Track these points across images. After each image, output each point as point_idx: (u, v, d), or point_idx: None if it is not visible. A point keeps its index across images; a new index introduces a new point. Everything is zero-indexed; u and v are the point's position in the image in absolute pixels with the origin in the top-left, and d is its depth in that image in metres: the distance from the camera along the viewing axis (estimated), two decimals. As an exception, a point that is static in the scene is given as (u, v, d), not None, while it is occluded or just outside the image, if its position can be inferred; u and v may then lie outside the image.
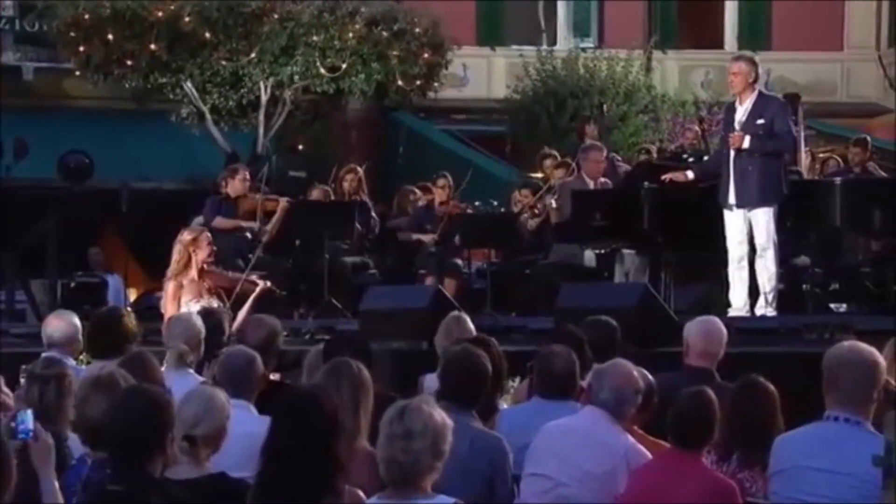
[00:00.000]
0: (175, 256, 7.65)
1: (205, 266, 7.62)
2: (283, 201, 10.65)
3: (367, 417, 4.41)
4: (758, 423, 4.60)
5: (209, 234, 7.73)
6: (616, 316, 7.50)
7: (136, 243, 15.32)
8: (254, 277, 8.11)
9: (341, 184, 11.25)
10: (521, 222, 10.89)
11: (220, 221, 10.50)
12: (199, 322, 6.18)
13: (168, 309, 7.52)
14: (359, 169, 11.35)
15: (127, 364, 4.94)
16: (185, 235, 7.72)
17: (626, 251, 9.93)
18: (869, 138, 11.53)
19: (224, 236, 10.51)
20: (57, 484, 3.88)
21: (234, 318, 7.37)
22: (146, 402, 3.71)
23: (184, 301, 7.48)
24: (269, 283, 8.03)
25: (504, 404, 5.85)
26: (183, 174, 16.39)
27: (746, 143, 8.40)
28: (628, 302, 7.95)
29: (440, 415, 3.68)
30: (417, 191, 11.71)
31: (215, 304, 7.51)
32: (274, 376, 5.96)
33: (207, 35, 14.16)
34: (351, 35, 14.55)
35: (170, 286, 7.63)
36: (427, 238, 10.99)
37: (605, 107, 15.31)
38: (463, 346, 5.02)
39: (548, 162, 11.62)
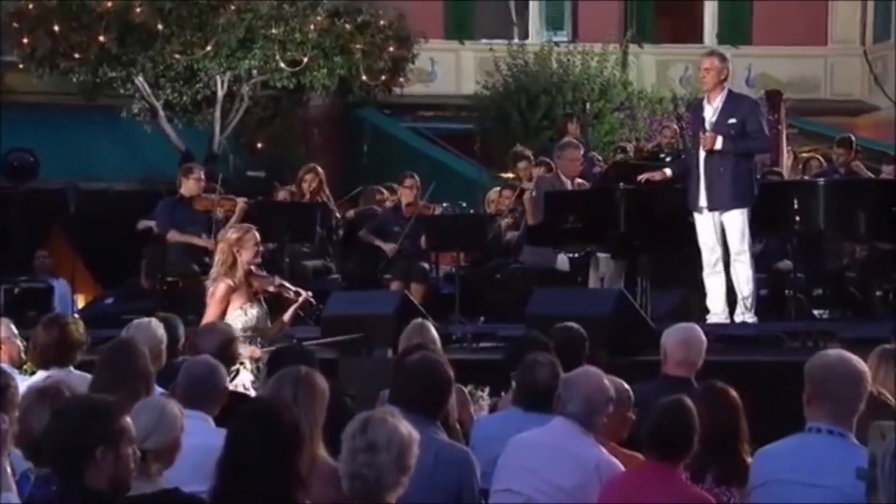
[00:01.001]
0: (219, 257, 7.39)
1: (252, 268, 7.36)
2: (241, 202, 10.63)
3: (320, 427, 4.40)
4: (721, 430, 4.62)
5: (256, 234, 7.42)
6: (591, 323, 7.53)
7: (84, 247, 15.21)
8: (297, 288, 7.77)
9: (301, 184, 11.23)
10: (499, 226, 10.92)
11: (173, 235, 10.47)
12: (160, 330, 6.15)
13: (211, 311, 7.25)
14: (319, 169, 11.33)
15: (110, 351, 4.94)
16: (230, 234, 7.44)
17: (601, 255, 9.96)
18: (853, 138, 11.62)
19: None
20: (10, 471, 3.88)
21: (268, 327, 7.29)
22: (82, 413, 3.67)
23: (236, 305, 7.23)
24: (310, 295, 7.76)
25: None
26: (134, 174, 16.32)
27: (719, 144, 8.45)
28: (603, 308, 7.98)
29: (406, 427, 3.68)
30: (385, 191, 11.71)
31: (259, 310, 7.30)
32: (231, 386, 5.93)
33: (160, 26, 14.12)
34: (312, 27, 14.55)
35: (218, 288, 7.29)
36: (388, 248, 10.94)
37: (587, 104, 15.35)
38: (423, 354, 5.01)
39: (522, 164, 11.65)
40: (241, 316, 7.20)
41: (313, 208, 10.85)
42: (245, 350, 6.95)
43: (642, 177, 8.94)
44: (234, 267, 7.27)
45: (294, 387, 4.45)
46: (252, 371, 7.01)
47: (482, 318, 10.14)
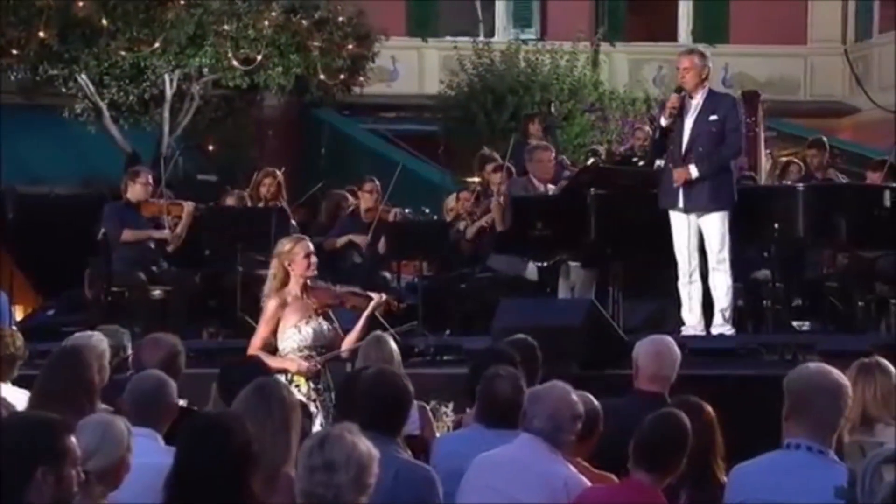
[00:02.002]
0: (271, 271, 7.27)
1: (307, 281, 7.20)
2: (188, 206, 10.59)
3: (297, 443, 4.40)
4: (696, 448, 4.64)
5: (309, 244, 7.27)
6: (560, 334, 7.59)
7: (23, 255, 15.10)
8: (367, 292, 7.57)
9: (258, 188, 11.21)
10: (457, 232, 10.93)
11: (129, 234, 10.41)
12: (102, 343, 6.13)
13: (259, 331, 7.17)
14: (278, 172, 11.31)
15: (54, 362, 4.90)
16: (281, 246, 7.28)
17: (571, 263, 10.00)
18: (825, 139, 11.71)
19: (123, 246, 10.45)
20: None
21: (341, 339, 7.20)
22: (20, 432, 3.62)
23: (290, 323, 7.11)
24: (384, 296, 7.57)
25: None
26: (77, 177, 16.22)
27: (694, 174, 8.50)
28: (573, 319, 8.02)
29: (365, 444, 3.68)
30: (350, 196, 11.73)
31: (324, 325, 7.16)
32: (180, 402, 5.92)
33: (104, 22, 14.03)
34: (267, 23, 14.52)
35: (267, 305, 7.19)
36: (360, 239, 10.88)
37: (551, 103, 15.41)
38: (378, 369, 5.01)
39: (489, 167, 11.68)
40: (294, 335, 7.10)
41: (268, 214, 10.83)
42: (290, 364, 6.94)
43: (678, 183, 8.56)
44: (287, 282, 7.17)
45: (269, 400, 4.44)
46: (308, 387, 7.00)
47: (447, 331, 10.15)
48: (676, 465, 4.49)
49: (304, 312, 7.12)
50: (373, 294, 7.50)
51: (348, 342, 7.24)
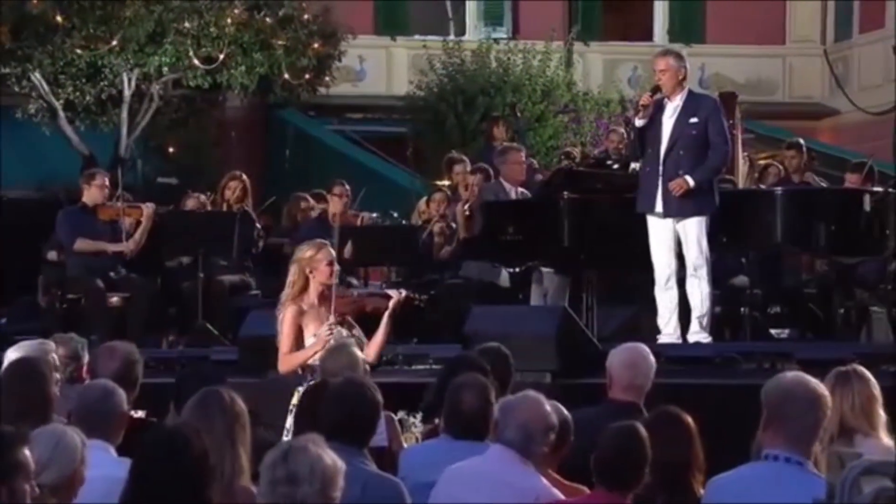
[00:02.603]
0: (290, 278, 7.23)
1: (325, 290, 7.14)
2: (147, 208, 10.54)
3: (247, 454, 4.39)
4: (672, 459, 4.67)
5: (331, 251, 7.24)
6: (532, 343, 7.60)
7: (-25, 260, 15.01)
8: (385, 291, 7.59)
9: (223, 192, 11.18)
10: (429, 236, 10.95)
11: (82, 243, 10.34)
12: (52, 352, 6.09)
13: (283, 342, 7.11)
14: (244, 177, 11.29)
15: (8, 374, 4.86)
16: (302, 252, 7.25)
17: (543, 269, 10.01)
18: (802, 141, 11.77)
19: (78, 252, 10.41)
20: None
21: (364, 344, 7.15)
22: None
23: (309, 332, 7.07)
24: (402, 293, 7.50)
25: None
26: (31, 180, 16.12)
27: (691, 183, 8.50)
28: (546, 327, 8.03)
29: (330, 457, 3.68)
30: (311, 199, 11.71)
31: (344, 334, 7.08)
32: (137, 413, 5.89)
33: (59, 19, 13.97)
34: (229, 21, 14.49)
35: (285, 314, 7.15)
36: None
37: (516, 106, 15.44)
38: (347, 378, 5.01)
39: (458, 167, 11.70)
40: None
41: (231, 218, 10.81)
42: (318, 346, 6.88)
43: (677, 193, 8.46)
44: (306, 289, 7.16)
45: (212, 410, 4.43)
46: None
47: (415, 339, 10.15)
48: (636, 479, 4.51)
49: (322, 321, 7.10)
50: (391, 292, 7.47)
51: (374, 348, 7.22)
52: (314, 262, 7.17)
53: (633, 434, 4.55)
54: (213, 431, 4.29)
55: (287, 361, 7.10)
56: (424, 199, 11.90)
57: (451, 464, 4.89)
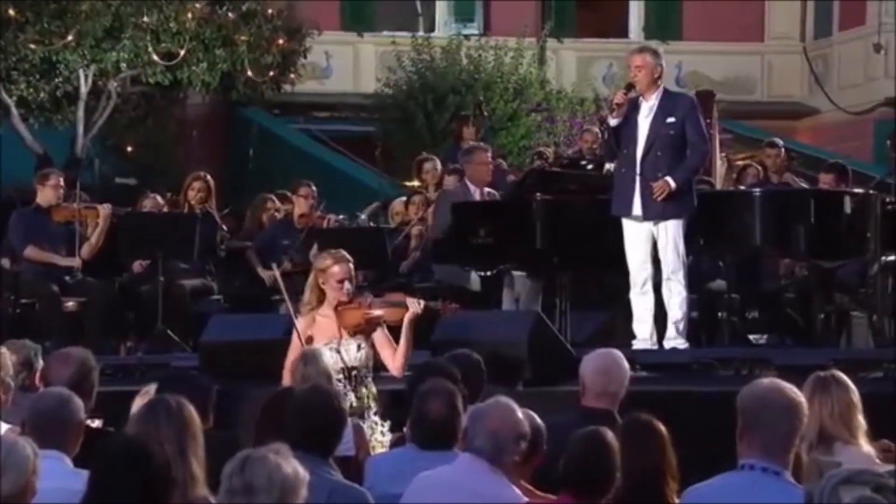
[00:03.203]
0: (309, 281, 7.23)
1: (339, 302, 7.10)
2: (104, 209, 10.49)
3: (199, 462, 4.37)
4: (646, 468, 4.68)
5: (347, 269, 7.13)
6: (504, 349, 7.61)
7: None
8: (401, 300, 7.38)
9: (186, 193, 11.14)
10: (406, 241, 10.97)
11: (32, 252, 10.28)
12: (7, 360, 6.06)
13: (289, 353, 7.08)
14: (209, 178, 11.26)
15: None
16: (319, 262, 7.21)
17: (515, 273, 10.03)
18: (780, 142, 11.83)
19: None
20: None
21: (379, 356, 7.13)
22: None
23: (319, 343, 7.03)
24: (421, 303, 7.25)
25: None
26: (-17, 180, 16.04)
27: (673, 185, 8.51)
28: (518, 333, 8.04)
29: (291, 466, 3.68)
30: (276, 200, 11.69)
31: (353, 346, 7.05)
32: (94, 423, 5.87)
33: (12, 12, 13.91)
34: (190, 16, 14.45)
35: (299, 325, 7.15)
36: (267, 275, 10.76)
37: (481, 105, 15.45)
38: (313, 386, 5.01)
39: (427, 165, 11.70)
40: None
41: (192, 220, 10.77)
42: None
43: (659, 197, 8.49)
44: (322, 299, 7.15)
45: (159, 419, 4.41)
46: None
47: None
48: (605, 486, 4.53)
49: (331, 334, 7.09)
50: (409, 300, 7.29)
51: (399, 360, 7.14)
52: (327, 276, 7.15)
53: (600, 440, 4.57)
54: (162, 441, 4.27)
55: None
56: (402, 200, 11.90)
57: (417, 473, 4.89)
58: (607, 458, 4.54)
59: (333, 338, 7.10)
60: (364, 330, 7.18)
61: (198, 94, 15.80)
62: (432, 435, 5.18)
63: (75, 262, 10.29)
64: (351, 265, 7.21)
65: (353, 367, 7.09)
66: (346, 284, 7.14)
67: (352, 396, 6.93)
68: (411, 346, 7.24)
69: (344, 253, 7.29)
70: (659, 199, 8.49)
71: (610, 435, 4.60)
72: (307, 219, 11.23)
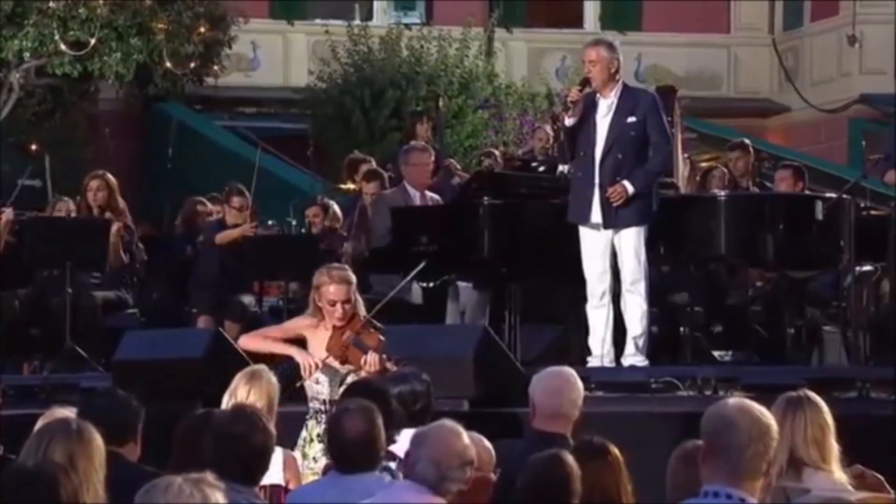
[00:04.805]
0: (311, 301, 7.28)
1: (336, 324, 7.10)
2: (6, 213, 10.41)
3: (100, 486, 4.32)
4: (601, 495, 4.70)
5: (343, 291, 7.09)
6: (448, 366, 7.61)
7: None
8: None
9: (85, 194, 11.03)
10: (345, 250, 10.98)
11: None
12: None
13: (273, 330, 7.33)
14: (109, 176, 11.15)
15: None
16: (317, 277, 7.19)
17: (460, 284, 10.05)
18: (748, 141, 11.93)
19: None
20: None
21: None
22: None
23: (311, 349, 7.12)
24: (375, 365, 7.08)
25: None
26: None
27: (630, 190, 8.56)
28: (463, 348, 8.05)
29: (202, 493, 3.67)
30: (208, 203, 11.66)
31: (327, 378, 7.07)
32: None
33: None
34: (101, 2, 14.37)
35: (300, 318, 7.36)
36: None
37: (440, 100, 15.47)
38: (234, 408, 4.99)
39: (364, 167, 11.70)
40: (311, 386, 7.11)
41: (103, 226, 10.70)
42: (296, 354, 6.98)
43: (617, 203, 8.52)
44: (322, 317, 7.20)
45: (51, 441, 4.37)
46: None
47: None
48: None
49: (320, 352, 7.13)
50: (369, 361, 7.09)
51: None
52: (321, 294, 7.18)
53: (559, 462, 4.58)
54: (66, 468, 4.24)
55: (255, 338, 7.29)
56: (316, 206, 11.94)
57: (340, 499, 4.88)
58: (566, 483, 4.56)
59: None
60: (349, 362, 7.22)
61: (111, 87, 15.73)
62: (351, 457, 5.15)
63: None
64: (351, 286, 7.20)
65: (327, 399, 7.16)
66: (339, 308, 7.13)
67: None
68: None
69: (347, 273, 7.31)
70: (615, 204, 8.54)
71: (570, 459, 4.62)
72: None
